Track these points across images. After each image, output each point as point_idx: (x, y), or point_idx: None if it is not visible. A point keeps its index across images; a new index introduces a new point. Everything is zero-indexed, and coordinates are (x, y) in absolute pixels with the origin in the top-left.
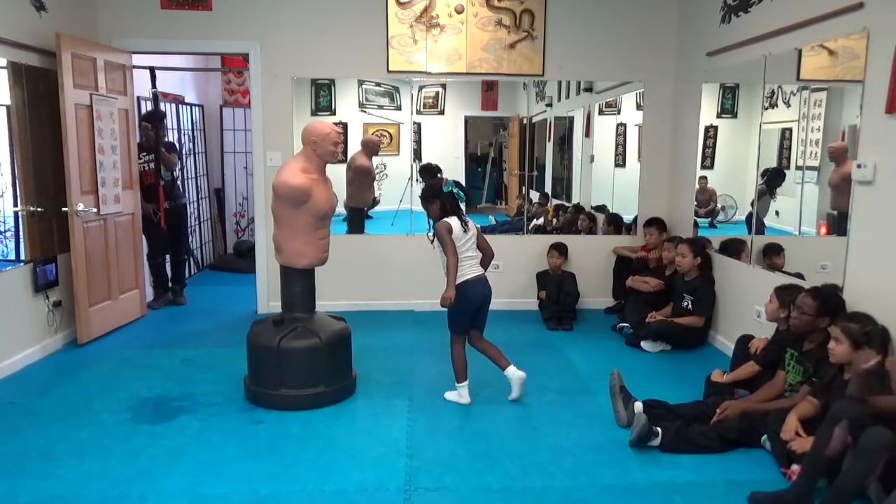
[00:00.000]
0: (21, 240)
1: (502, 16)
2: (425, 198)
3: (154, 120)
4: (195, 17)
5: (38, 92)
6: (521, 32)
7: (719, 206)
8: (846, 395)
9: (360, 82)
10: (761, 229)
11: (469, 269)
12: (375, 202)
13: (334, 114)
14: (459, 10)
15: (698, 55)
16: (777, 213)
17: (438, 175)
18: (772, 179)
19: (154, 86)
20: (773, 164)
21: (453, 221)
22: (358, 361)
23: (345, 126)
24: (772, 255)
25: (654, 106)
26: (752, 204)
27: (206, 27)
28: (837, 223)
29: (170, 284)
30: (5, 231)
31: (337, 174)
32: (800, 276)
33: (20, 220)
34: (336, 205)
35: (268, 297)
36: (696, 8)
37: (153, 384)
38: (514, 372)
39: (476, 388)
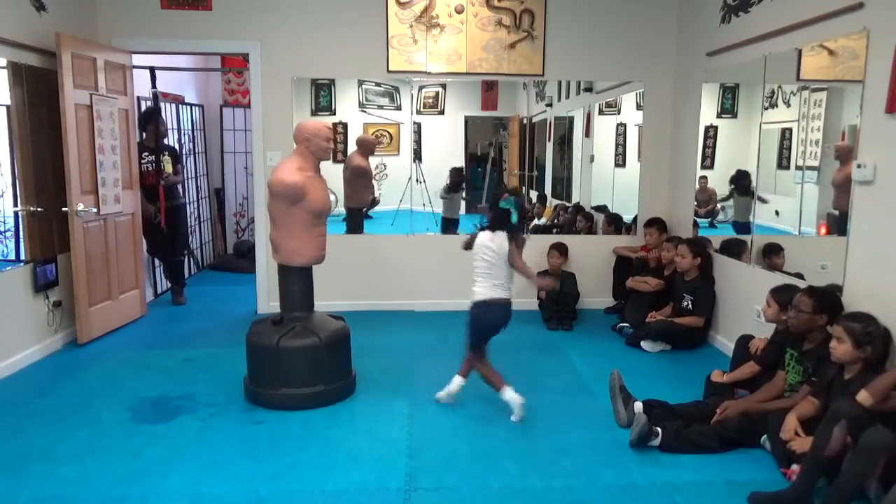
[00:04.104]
0: (21, 240)
1: (502, 16)
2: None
3: (151, 116)
4: (195, 17)
5: (38, 92)
6: (521, 32)
7: (719, 206)
8: (846, 395)
9: (360, 82)
10: (746, 229)
11: (489, 289)
12: (375, 202)
13: (334, 114)
14: (459, 10)
15: (698, 55)
16: (777, 212)
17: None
18: (738, 180)
19: (154, 86)
20: (774, 163)
21: (482, 235)
22: (358, 361)
23: (345, 126)
24: (771, 256)
25: (654, 106)
26: (721, 208)
27: (206, 27)
28: (839, 223)
29: (169, 285)
30: (5, 231)
31: (336, 174)
32: (800, 276)
33: (20, 220)
34: (331, 204)
35: (268, 297)
36: (695, 8)
37: (153, 384)
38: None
39: (475, 388)
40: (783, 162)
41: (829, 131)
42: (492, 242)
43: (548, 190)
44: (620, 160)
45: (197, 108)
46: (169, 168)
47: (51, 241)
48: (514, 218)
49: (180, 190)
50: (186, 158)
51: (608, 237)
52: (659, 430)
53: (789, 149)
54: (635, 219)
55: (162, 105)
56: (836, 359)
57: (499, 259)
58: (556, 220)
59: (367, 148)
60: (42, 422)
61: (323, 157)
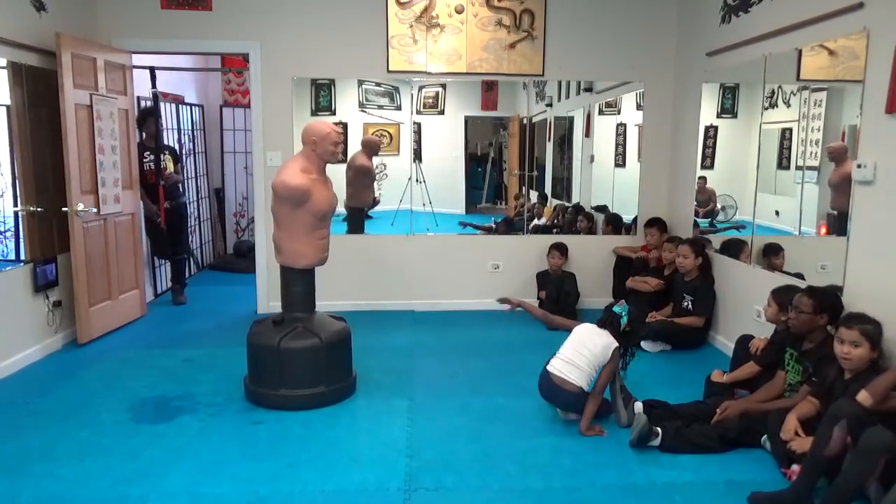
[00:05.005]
0: (21, 240)
1: (502, 16)
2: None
3: (149, 116)
4: (195, 17)
5: (38, 92)
6: (521, 32)
7: (719, 206)
8: (846, 395)
9: (360, 82)
10: None
11: (552, 362)
12: (375, 202)
13: (334, 114)
14: (459, 10)
15: (698, 55)
16: (777, 212)
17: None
18: None
19: (154, 86)
20: (774, 163)
21: (586, 326)
22: (358, 361)
23: (345, 126)
24: (771, 256)
25: (654, 106)
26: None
27: (206, 27)
28: (837, 223)
29: (170, 285)
30: (5, 231)
31: (337, 174)
32: (800, 276)
33: (20, 220)
34: (336, 205)
35: (268, 297)
36: (695, 8)
37: (153, 384)
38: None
39: (475, 390)
40: (783, 162)
41: (829, 131)
42: (592, 339)
43: (548, 190)
44: (620, 160)
45: (197, 108)
46: (171, 166)
47: (51, 241)
48: (623, 321)
49: (181, 189)
50: (186, 158)
51: (608, 237)
52: (659, 430)
53: (789, 149)
54: (635, 219)
55: (162, 105)
56: (853, 365)
57: (590, 357)
58: (556, 220)
59: (371, 148)
60: (42, 422)
61: (329, 161)
